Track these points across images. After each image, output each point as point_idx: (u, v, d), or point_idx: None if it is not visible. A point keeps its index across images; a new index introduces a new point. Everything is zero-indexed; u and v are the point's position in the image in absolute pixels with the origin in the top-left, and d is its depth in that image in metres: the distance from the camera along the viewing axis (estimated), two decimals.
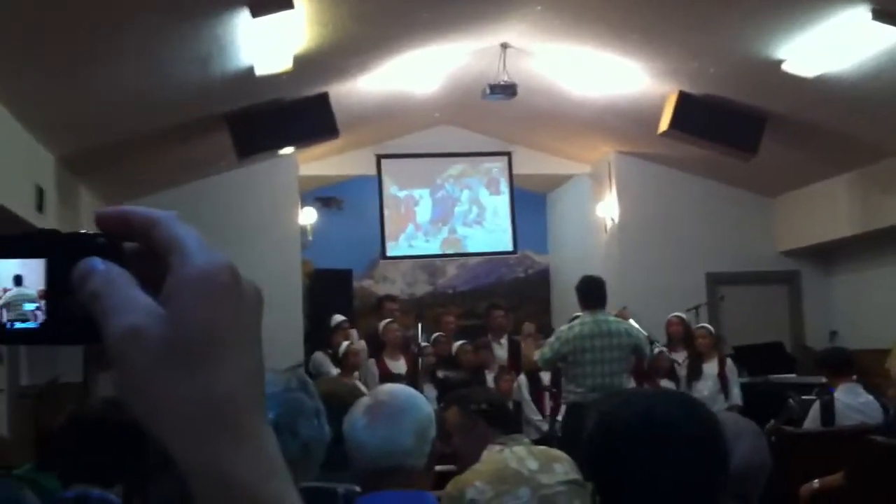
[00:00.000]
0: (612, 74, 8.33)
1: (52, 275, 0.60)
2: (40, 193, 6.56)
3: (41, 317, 0.60)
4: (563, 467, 3.15)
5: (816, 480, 5.07)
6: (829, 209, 9.84)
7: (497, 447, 3.18)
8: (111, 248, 0.59)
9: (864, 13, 6.21)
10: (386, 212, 11.04)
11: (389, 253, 11.17)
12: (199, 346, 0.55)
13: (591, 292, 6.58)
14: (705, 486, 1.70)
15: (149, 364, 0.54)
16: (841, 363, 6.15)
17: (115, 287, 0.56)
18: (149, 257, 0.58)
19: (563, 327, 6.72)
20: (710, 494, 1.70)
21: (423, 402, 2.36)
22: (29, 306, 0.60)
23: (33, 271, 0.60)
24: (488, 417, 3.31)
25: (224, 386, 0.55)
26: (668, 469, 1.67)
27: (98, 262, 0.58)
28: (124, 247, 0.60)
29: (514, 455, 3.13)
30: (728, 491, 1.80)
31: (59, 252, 0.59)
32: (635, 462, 1.69)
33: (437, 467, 3.74)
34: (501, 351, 8.92)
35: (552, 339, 6.64)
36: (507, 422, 3.38)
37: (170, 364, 0.54)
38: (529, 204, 12.36)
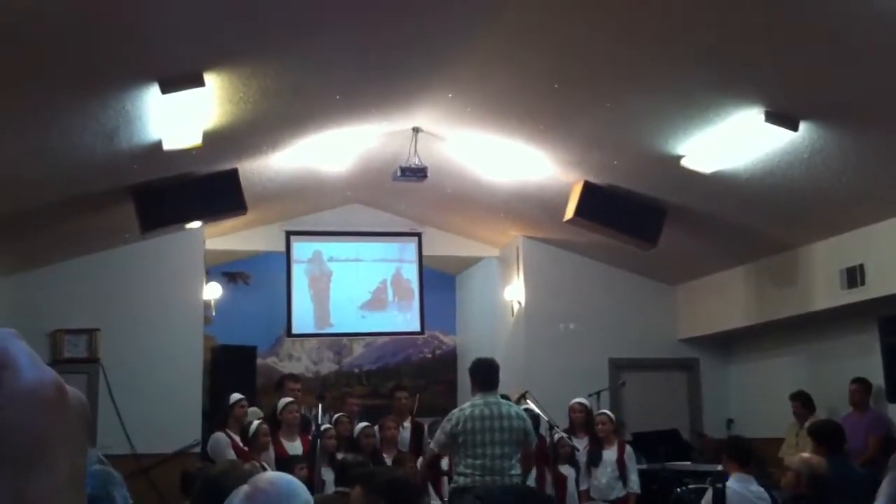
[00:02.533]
0: (520, 162, 8.53)
1: None
2: None
3: None
4: None
5: None
6: (726, 299, 10.13)
7: None
8: None
9: (757, 115, 6.51)
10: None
11: (295, 330, 11.08)
12: (22, 454, 0.58)
13: (484, 375, 6.63)
14: None
15: None
16: (744, 453, 6.25)
17: None
18: None
19: (455, 410, 6.73)
20: None
21: (302, 489, 2.35)
22: None
23: None
24: (390, 498, 3.29)
25: (42, 490, 0.58)
26: None
27: None
28: None
29: None
30: None
31: None
32: None
33: None
34: (406, 433, 8.86)
35: (444, 422, 6.62)
36: (409, 503, 3.36)
37: None
38: (439, 284, 12.44)
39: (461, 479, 6.40)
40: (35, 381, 0.61)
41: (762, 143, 6.89)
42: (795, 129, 6.49)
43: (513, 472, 6.45)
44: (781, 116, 6.47)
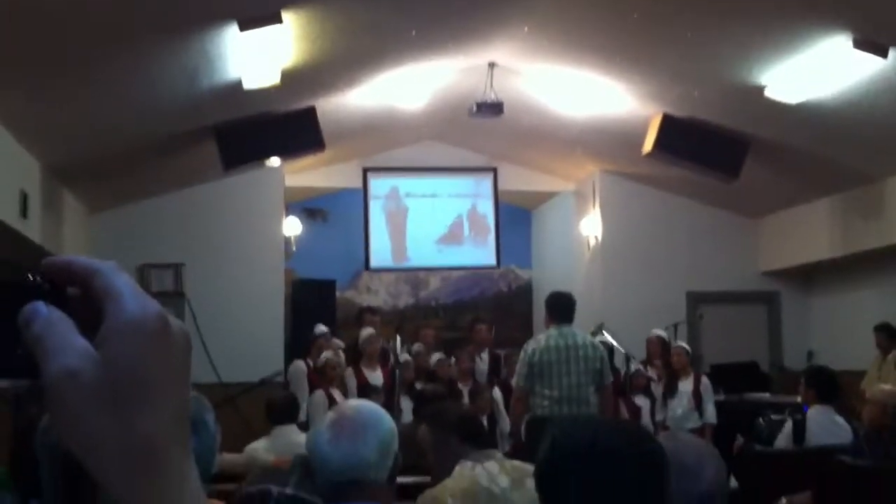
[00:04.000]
0: (597, 95, 8.42)
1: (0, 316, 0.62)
2: (24, 199, 6.58)
3: None
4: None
5: (784, 498, 5.14)
6: (810, 232, 9.94)
7: (469, 464, 3.18)
8: (55, 294, 0.63)
9: (845, 42, 6.31)
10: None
11: (373, 264, 11.23)
12: (128, 388, 0.59)
13: (559, 307, 6.64)
14: None
15: (81, 403, 0.59)
16: (827, 386, 6.14)
17: (56, 331, 0.60)
18: (88, 303, 0.62)
19: (531, 340, 6.76)
20: None
21: (386, 417, 2.42)
22: None
23: None
24: (460, 433, 3.33)
25: (149, 424, 0.59)
26: (611, 498, 1.74)
27: (41, 307, 0.61)
28: (67, 292, 0.64)
29: (486, 472, 3.13)
30: None
31: (8, 296, 0.62)
32: (579, 489, 1.75)
33: (409, 479, 3.81)
34: (483, 365, 8.97)
35: (521, 354, 6.66)
36: (479, 437, 3.40)
37: (100, 404, 0.59)
38: (515, 219, 12.44)
39: (538, 410, 6.47)
40: (139, 313, 0.60)
41: (849, 72, 6.68)
42: (885, 55, 6.28)
43: (590, 401, 6.48)
44: (870, 43, 6.26)
